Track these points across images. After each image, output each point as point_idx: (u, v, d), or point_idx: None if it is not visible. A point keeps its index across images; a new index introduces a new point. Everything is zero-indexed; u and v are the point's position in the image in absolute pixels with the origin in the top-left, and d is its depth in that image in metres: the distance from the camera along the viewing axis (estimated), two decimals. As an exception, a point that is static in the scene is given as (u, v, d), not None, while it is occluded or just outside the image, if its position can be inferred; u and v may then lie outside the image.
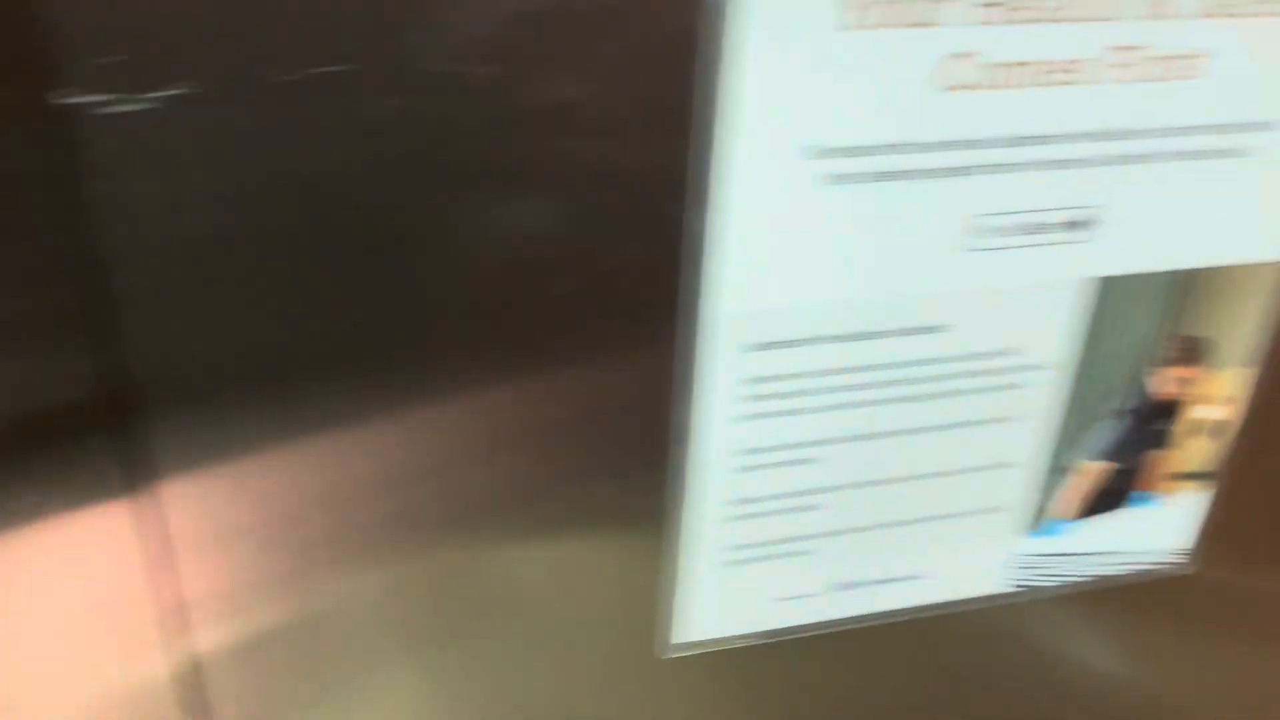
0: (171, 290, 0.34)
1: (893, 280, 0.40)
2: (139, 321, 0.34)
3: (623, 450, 0.42)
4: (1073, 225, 0.40)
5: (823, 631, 0.50)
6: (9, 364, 0.34)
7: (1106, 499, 0.50)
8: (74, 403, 0.35)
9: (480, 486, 0.41)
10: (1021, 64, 0.36)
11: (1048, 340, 0.43)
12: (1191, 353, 0.46)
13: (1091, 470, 0.49)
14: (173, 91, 0.31)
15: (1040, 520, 0.50)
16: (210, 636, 0.42)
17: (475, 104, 0.34)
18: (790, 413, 0.42)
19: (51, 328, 0.34)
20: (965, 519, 0.48)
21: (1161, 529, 0.52)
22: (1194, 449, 0.50)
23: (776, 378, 0.41)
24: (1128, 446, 0.48)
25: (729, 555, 0.46)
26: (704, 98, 0.35)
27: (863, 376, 0.42)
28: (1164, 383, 0.47)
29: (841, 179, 0.37)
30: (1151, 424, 0.48)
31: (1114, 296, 0.43)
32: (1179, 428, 0.49)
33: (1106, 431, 0.48)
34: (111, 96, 0.31)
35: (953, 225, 0.39)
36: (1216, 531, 0.52)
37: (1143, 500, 0.51)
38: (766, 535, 0.46)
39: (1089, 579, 0.52)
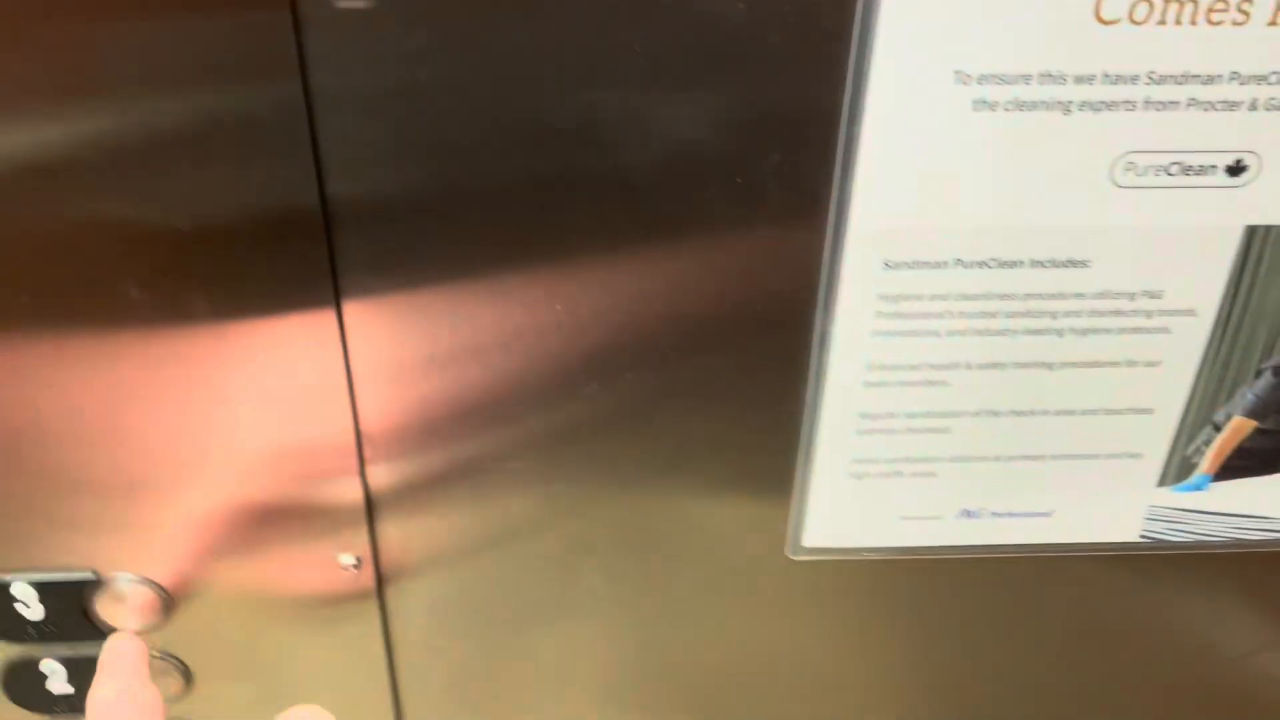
0: (372, 136, 0.39)
1: (1037, 210, 0.41)
2: (337, 154, 0.39)
3: (764, 351, 0.45)
4: (1229, 170, 0.40)
5: (946, 556, 0.51)
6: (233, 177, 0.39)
7: (1253, 460, 0.49)
8: (279, 215, 0.40)
9: (634, 369, 0.45)
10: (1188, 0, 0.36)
11: (1195, 286, 0.43)
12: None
13: (1238, 427, 0.48)
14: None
15: (1179, 473, 0.49)
16: (381, 469, 0.47)
17: (640, 16, 0.36)
18: (923, 333, 0.44)
19: (269, 150, 0.39)
20: (1098, 461, 0.49)
21: (1310, 498, 0.51)
22: (1352, 418, 0.48)
23: (913, 297, 0.43)
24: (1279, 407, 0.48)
25: (854, 467, 0.48)
26: (862, 16, 0.36)
27: (999, 305, 0.43)
28: (1323, 344, 0.46)
29: (993, 105, 0.38)
30: (1307, 387, 0.47)
31: (1271, 247, 0.42)
32: (1336, 394, 0.48)
33: (1257, 389, 0.47)
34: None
35: (1103, 160, 0.40)
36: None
37: (1292, 466, 0.50)
38: (892, 453, 0.47)
39: (1223, 540, 0.52)
